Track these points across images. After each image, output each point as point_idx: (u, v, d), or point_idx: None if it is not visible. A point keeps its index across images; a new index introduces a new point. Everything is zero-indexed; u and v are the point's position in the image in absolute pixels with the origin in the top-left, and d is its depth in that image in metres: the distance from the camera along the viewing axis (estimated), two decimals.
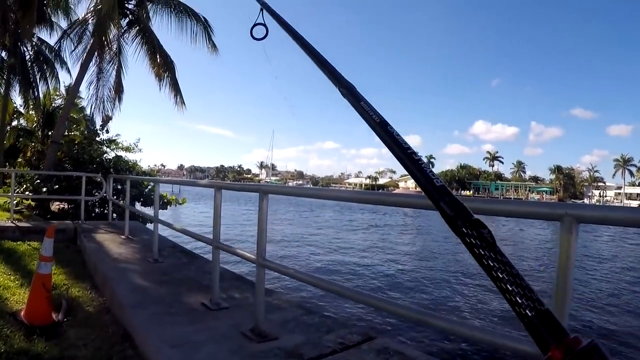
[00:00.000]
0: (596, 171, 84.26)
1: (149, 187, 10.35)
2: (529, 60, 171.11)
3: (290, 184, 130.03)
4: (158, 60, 10.88)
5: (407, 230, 25.99)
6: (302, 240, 17.50)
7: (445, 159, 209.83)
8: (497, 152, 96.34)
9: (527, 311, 0.53)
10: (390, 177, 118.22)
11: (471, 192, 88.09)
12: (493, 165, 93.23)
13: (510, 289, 0.55)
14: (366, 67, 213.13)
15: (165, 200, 10.91)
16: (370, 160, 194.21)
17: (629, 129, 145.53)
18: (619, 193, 78.46)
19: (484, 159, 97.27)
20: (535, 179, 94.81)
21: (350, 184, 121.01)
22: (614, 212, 1.27)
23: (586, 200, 77.32)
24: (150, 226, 7.26)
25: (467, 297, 9.56)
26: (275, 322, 2.81)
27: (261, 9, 1.74)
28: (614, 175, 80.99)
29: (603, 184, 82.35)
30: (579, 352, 0.47)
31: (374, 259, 13.93)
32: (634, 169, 78.92)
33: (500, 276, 0.56)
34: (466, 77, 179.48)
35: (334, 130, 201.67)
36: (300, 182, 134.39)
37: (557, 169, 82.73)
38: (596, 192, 79.40)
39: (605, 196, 78.50)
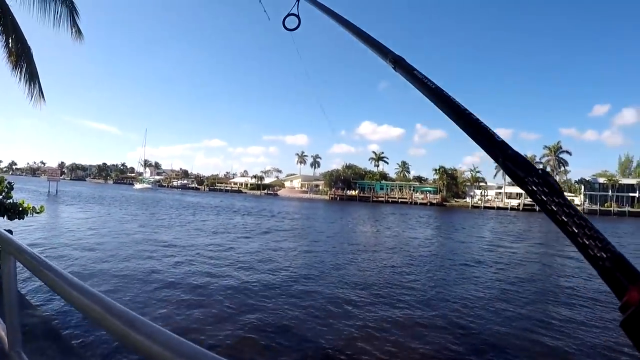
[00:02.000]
0: (478, 172, 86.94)
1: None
2: (415, 64, 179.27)
3: (175, 183, 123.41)
4: (11, 45, 9.40)
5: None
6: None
7: (332, 158, 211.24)
8: (382, 152, 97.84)
9: (602, 254, 0.52)
10: (277, 177, 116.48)
11: (357, 191, 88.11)
12: (378, 165, 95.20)
13: (580, 232, 0.55)
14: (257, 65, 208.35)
15: (21, 209, 7.86)
16: (257, 158, 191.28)
17: (509, 132, 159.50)
18: (500, 192, 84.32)
19: (369, 159, 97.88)
20: (419, 178, 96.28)
21: (235, 183, 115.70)
22: None
23: (468, 200, 79.38)
24: None
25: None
26: None
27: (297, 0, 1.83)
28: (495, 175, 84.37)
29: (485, 184, 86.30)
30: None
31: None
32: None
33: (568, 221, 0.56)
34: (355, 79, 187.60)
35: (221, 126, 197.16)
36: (185, 181, 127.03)
37: (441, 169, 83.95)
38: (478, 192, 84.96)
39: (487, 195, 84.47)
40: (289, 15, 1.83)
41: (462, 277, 12.93)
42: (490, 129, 0.73)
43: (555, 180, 0.61)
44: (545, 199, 0.59)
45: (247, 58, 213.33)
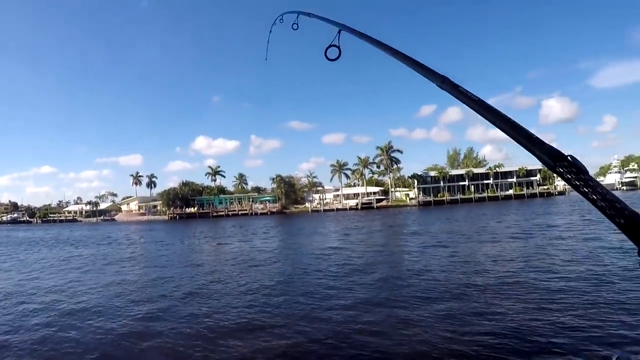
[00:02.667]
0: (314, 177, 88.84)
1: None
2: (246, 77, 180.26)
3: (4, 218, 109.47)
4: None
5: None
6: None
7: (169, 176, 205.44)
8: (219, 166, 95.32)
9: (625, 213, 0.67)
10: (113, 201, 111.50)
11: (196, 208, 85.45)
12: (215, 180, 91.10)
13: (605, 205, 0.69)
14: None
15: None
16: (91, 183, 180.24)
17: (342, 137, 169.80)
18: (337, 195, 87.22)
19: (206, 174, 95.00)
20: (257, 189, 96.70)
21: (70, 212, 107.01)
22: None
23: (308, 205, 76.01)
24: None
25: None
26: None
27: (339, 31, 1.93)
28: (331, 179, 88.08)
29: (322, 188, 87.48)
30: None
31: None
32: (349, 172, 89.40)
33: (596, 198, 0.69)
34: (186, 94, 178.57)
35: (50, 152, 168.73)
36: (15, 215, 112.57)
37: (278, 178, 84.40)
38: (316, 196, 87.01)
39: (325, 199, 79.87)
40: (330, 46, 1.97)
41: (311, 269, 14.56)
42: (531, 132, 0.83)
43: (583, 165, 0.74)
44: (579, 183, 0.72)
45: (73, 72, 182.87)
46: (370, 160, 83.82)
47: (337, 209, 78.22)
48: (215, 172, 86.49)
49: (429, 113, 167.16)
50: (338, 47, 1.95)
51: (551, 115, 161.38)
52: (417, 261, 14.96)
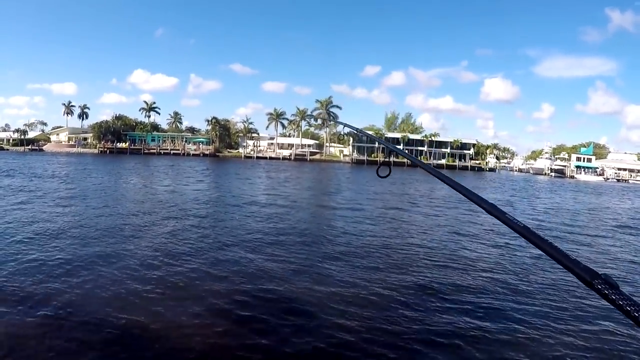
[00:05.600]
0: (251, 123, 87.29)
1: None
2: (197, 12, 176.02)
3: None
4: None
5: None
6: None
7: (102, 109, 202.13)
8: (154, 102, 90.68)
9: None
10: (42, 130, 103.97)
11: (127, 144, 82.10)
12: (150, 116, 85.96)
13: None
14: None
15: None
16: (21, 110, 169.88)
17: (283, 86, 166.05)
18: (272, 143, 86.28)
19: (140, 110, 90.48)
20: (192, 129, 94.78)
21: None
22: None
23: (241, 150, 77.35)
24: None
25: None
26: None
27: (390, 152, 2.24)
28: (267, 127, 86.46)
29: (257, 135, 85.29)
30: None
31: None
32: (285, 122, 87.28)
33: (631, 309, 0.73)
34: (128, 24, 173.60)
35: None
36: None
37: (214, 120, 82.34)
38: (250, 142, 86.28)
39: (259, 146, 79.34)
40: (381, 165, 2.16)
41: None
42: (568, 254, 0.88)
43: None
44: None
45: None
46: (309, 112, 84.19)
47: (271, 157, 78.17)
48: (150, 108, 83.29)
49: (373, 74, 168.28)
50: (389, 166, 2.09)
51: (492, 94, 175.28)
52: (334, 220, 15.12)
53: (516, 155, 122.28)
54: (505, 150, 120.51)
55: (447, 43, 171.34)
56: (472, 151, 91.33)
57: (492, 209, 1.10)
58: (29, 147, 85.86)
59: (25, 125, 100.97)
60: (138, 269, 7.94)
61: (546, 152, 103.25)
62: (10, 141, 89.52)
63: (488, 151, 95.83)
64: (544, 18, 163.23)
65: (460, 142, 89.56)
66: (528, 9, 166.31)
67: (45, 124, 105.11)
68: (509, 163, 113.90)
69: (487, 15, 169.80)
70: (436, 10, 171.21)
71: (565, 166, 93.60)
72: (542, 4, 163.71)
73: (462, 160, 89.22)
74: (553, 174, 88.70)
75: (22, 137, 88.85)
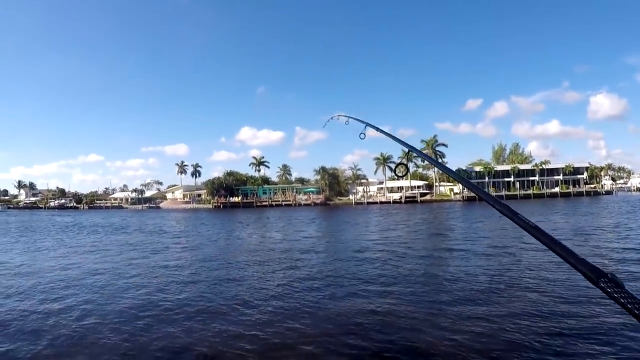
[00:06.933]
0: (359, 169, 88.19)
1: None
2: (292, 68, 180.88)
3: (52, 203, 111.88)
4: None
5: None
6: None
7: (213, 166, 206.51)
8: (263, 157, 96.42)
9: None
10: (158, 189, 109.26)
11: (240, 198, 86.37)
12: (260, 170, 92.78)
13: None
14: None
15: None
16: (137, 172, 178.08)
17: (387, 130, 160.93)
18: (381, 188, 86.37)
19: (250, 165, 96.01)
20: (301, 180, 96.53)
21: (116, 198, 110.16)
22: None
23: (352, 197, 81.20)
24: None
25: None
26: None
27: (408, 152, 2.18)
28: (375, 171, 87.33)
29: (366, 181, 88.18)
30: None
31: None
32: (392, 165, 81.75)
33: (633, 307, 0.77)
34: (231, 85, 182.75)
35: (98, 140, 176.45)
36: (62, 200, 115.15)
37: (322, 169, 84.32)
38: (360, 189, 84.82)
39: (369, 191, 79.85)
40: (399, 164, 2.21)
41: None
42: (576, 253, 0.92)
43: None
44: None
45: (121, 61, 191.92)
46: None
47: (381, 202, 78.06)
48: (259, 163, 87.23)
49: (475, 107, 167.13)
50: (406, 165, 2.16)
51: (599, 111, 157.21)
52: (455, 261, 14.41)
53: (633, 173, 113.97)
54: (620, 169, 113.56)
55: (544, 64, 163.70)
56: (585, 175, 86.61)
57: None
58: (147, 205, 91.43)
59: (142, 185, 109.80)
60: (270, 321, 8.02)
61: None
62: (129, 200, 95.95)
63: (602, 173, 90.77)
64: (636, 19, 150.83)
65: (572, 167, 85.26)
66: (617, 13, 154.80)
67: (160, 183, 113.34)
68: (625, 183, 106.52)
69: (579, 28, 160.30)
70: (529, 34, 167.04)
71: None
72: (630, 4, 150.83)
73: (576, 185, 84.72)
74: None
75: (140, 196, 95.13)
